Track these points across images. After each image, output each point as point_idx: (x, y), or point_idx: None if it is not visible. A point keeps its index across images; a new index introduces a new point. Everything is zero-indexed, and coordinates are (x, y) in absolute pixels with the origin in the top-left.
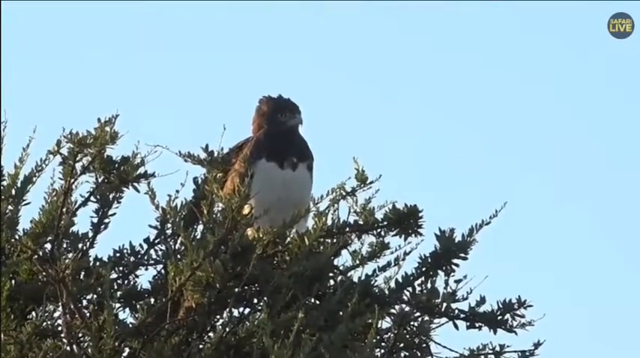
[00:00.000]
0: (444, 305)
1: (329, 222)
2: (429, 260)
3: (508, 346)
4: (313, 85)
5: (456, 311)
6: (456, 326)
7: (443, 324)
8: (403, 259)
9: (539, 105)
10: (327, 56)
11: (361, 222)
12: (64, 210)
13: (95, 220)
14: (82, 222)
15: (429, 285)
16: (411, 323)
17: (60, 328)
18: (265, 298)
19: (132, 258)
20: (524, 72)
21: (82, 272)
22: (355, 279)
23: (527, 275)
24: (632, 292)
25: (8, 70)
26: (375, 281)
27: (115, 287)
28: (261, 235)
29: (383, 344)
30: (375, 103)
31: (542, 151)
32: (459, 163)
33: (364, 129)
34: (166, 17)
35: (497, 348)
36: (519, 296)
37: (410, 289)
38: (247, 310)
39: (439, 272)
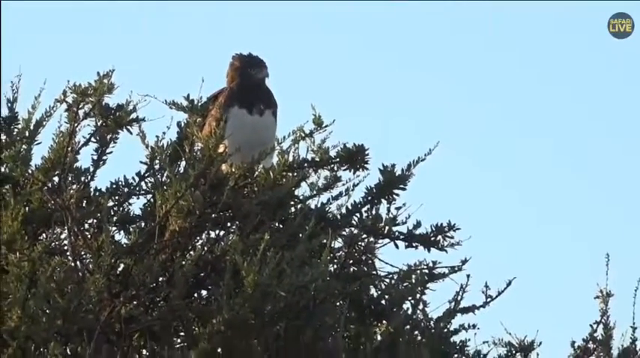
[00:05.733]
0: (387, 228)
1: (290, 159)
2: (374, 190)
3: (440, 262)
4: (280, 42)
5: (397, 233)
6: (396, 246)
7: (385, 244)
8: (352, 190)
9: (539, 104)
10: (299, 16)
11: (317, 159)
12: (69, 149)
13: (95, 157)
14: (85, 159)
15: (373, 212)
16: (359, 243)
17: (66, 247)
18: (237, 222)
19: (126, 189)
20: (524, 71)
21: (84, 201)
22: (312, 207)
23: (457, 202)
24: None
25: (24, 32)
26: (329, 208)
27: (112, 213)
28: (233, 170)
29: (335, 260)
30: (329, 56)
31: (542, 152)
32: (403, 108)
33: (322, 79)
34: None
35: (431, 264)
36: (449, 220)
37: (358, 215)
38: (222, 233)
39: (382, 200)
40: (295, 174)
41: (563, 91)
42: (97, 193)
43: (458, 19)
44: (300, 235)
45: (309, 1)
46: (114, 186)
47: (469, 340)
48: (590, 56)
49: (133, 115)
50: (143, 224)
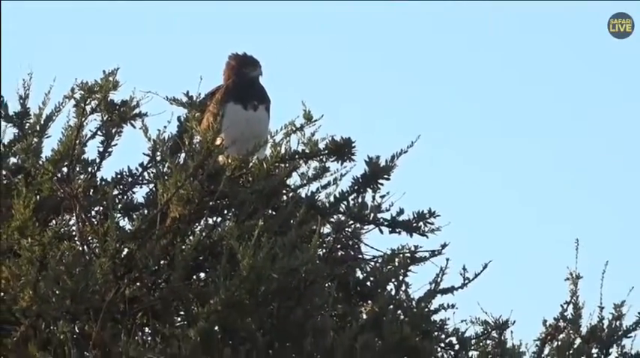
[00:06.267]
0: (372, 215)
1: (282, 151)
2: (360, 180)
3: (421, 246)
4: (274, 42)
5: (381, 220)
6: (380, 231)
7: (370, 230)
8: (340, 179)
9: (539, 104)
10: (296, 17)
11: (307, 151)
12: (77, 141)
13: (101, 149)
14: (91, 151)
15: (360, 200)
16: (346, 229)
17: (74, 233)
18: (233, 210)
19: (130, 179)
20: (524, 71)
21: (91, 190)
22: (303, 195)
23: (438, 191)
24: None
25: (35, 33)
26: (318, 196)
27: (117, 201)
28: (229, 161)
29: (324, 245)
30: (321, 54)
31: (543, 153)
32: (387, 104)
33: (312, 76)
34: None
35: (413, 248)
36: (430, 207)
37: (345, 203)
38: (219, 219)
39: (368, 189)
40: (287, 164)
41: (562, 91)
42: (103, 182)
43: (459, 19)
44: (292, 222)
45: (303, 1)
46: (118, 176)
47: (448, 319)
48: (590, 56)
49: (136, 110)
50: (146, 211)
